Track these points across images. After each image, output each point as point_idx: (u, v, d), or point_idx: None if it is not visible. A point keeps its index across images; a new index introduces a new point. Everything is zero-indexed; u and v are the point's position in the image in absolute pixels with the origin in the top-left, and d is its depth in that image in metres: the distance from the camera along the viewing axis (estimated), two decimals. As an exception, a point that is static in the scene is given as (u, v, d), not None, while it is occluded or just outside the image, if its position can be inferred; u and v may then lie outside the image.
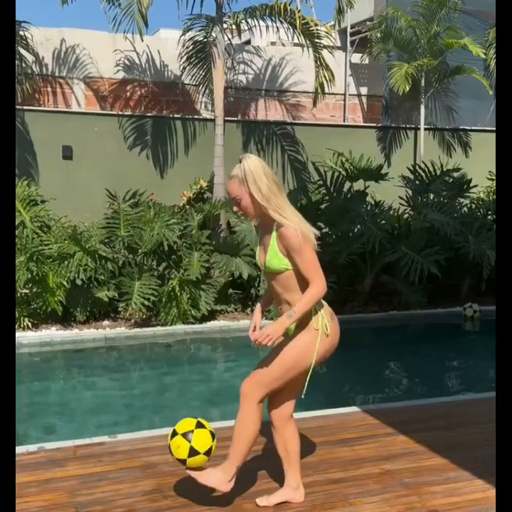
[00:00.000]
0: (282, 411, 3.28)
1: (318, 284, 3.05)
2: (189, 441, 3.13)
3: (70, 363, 7.83)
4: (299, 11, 9.89)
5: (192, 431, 3.17)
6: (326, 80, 10.24)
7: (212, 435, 3.21)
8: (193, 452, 3.13)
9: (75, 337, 8.18)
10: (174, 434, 3.18)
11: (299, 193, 10.20)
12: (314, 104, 10.65)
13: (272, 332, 3.06)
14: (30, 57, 10.69)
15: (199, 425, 3.21)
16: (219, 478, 3.17)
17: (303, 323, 3.16)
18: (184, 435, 3.15)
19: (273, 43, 14.24)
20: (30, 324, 8.27)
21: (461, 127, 12.72)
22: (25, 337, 8.02)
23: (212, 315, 8.97)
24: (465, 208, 10.54)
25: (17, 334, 8.06)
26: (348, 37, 13.59)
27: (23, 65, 10.28)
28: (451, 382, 7.21)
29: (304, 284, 3.09)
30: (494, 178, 10.40)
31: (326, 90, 10.49)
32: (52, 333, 8.24)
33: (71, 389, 6.95)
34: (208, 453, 3.17)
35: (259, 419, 3.17)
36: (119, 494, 3.44)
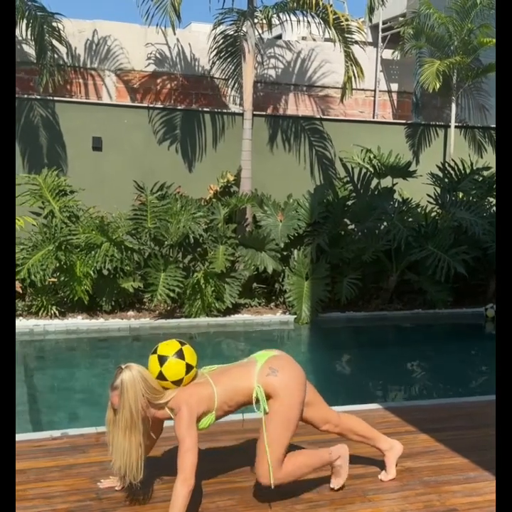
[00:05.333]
0: (325, 420, 3.45)
1: (185, 472, 3.02)
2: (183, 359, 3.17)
3: (95, 352, 7.93)
4: (330, 6, 9.84)
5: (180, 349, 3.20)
6: (355, 76, 10.18)
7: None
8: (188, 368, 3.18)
9: (101, 326, 8.29)
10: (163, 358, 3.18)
11: (326, 189, 10.17)
12: (342, 99, 10.60)
13: None
14: (62, 49, 10.81)
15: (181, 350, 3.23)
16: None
17: (268, 395, 3.21)
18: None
19: (304, 38, 14.19)
20: (57, 312, 8.39)
21: (493, 126, 12.56)
22: (52, 324, 8.16)
23: (236, 308, 9.00)
24: (494, 208, 10.41)
25: (44, 321, 8.21)
26: (380, 33, 13.48)
27: (55, 56, 10.38)
28: (474, 382, 7.15)
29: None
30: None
31: (355, 86, 10.42)
32: (78, 322, 8.36)
33: (95, 377, 7.04)
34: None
35: (299, 460, 3.32)
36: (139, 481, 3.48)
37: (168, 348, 3.21)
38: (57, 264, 8.28)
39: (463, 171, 10.30)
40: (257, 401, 3.22)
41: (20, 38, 10.40)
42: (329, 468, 3.61)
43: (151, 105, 10.93)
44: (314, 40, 13.79)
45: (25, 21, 9.76)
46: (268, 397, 3.22)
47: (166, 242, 8.90)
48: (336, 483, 3.46)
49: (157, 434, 3.45)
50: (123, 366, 3.14)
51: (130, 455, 3.07)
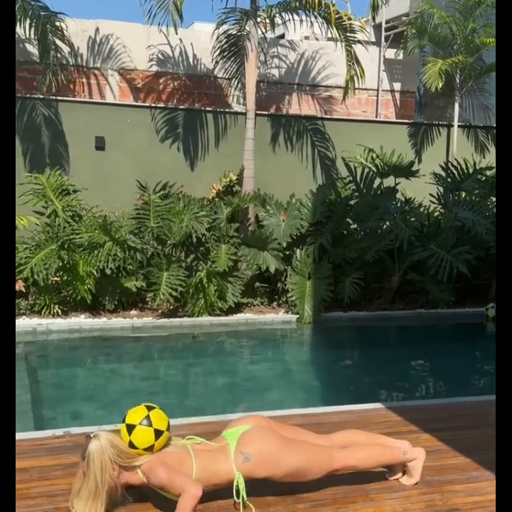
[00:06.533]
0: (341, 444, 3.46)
1: (189, 490, 3.04)
2: (150, 426, 3.15)
3: (98, 351, 7.94)
4: (333, 5, 9.84)
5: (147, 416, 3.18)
6: (357, 75, 10.18)
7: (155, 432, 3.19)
8: (158, 434, 3.16)
9: (103, 325, 8.30)
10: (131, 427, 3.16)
11: (328, 189, 10.17)
12: (344, 98, 10.60)
13: None
14: (65, 48, 10.83)
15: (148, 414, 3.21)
16: None
17: (249, 477, 3.23)
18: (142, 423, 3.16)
19: (306, 37, 14.19)
20: (59, 311, 8.41)
21: (495, 125, 12.54)
22: (55, 323, 8.17)
23: (238, 307, 9.01)
24: (497, 207, 10.38)
25: (47, 320, 8.22)
26: (383, 32, 13.48)
27: (59, 55, 10.40)
28: (476, 382, 7.15)
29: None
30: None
31: (358, 85, 10.42)
32: (81, 321, 8.37)
33: (97, 376, 7.05)
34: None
35: (368, 451, 3.41)
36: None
37: (135, 416, 3.19)
38: (60, 264, 8.29)
39: (465, 171, 10.29)
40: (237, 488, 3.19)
41: (23, 38, 10.41)
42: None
43: (154, 105, 10.94)
44: (317, 39, 13.79)
45: (28, 21, 9.77)
46: (251, 478, 3.22)
47: (168, 242, 8.91)
48: (405, 480, 3.53)
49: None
50: (91, 435, 3.12)
51: None
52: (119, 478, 3.12)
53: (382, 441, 3.56)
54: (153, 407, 3.25)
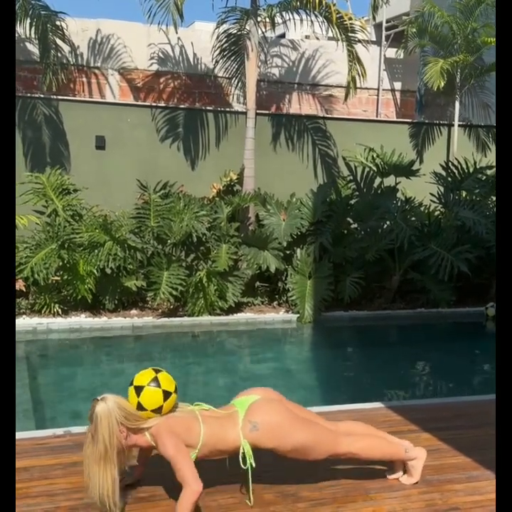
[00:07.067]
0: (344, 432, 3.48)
1: (191, 485, 3.01)
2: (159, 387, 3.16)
3: (98, 350, 7.94)
4: (334, 5, 9.83)
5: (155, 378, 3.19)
6: (359, 75, 10.18)
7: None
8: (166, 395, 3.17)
9: (104, 324, 8.31)
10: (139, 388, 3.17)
11: (329, 188, 10.17)
12: (346, 98, 10.60)
13: None
14: (66, 48, 10.83)
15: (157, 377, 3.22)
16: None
17: (255, 446, 3.25)
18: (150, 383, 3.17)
19: (307, 37, 14.18)
20: (60, 311, 8.41)
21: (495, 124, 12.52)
22: (55, 323, 8.18)
23: (238, 307, 9.01)
24: (498, 207, 10.37)
25: (47, 320, 8.22)
26: (384, 31, 13.47)
27: (59, 54, 10.40)
28: (476, 382, 7.15)
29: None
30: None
31: (359, 85, 10.42)
32: (81, 320, 8.37)
33: (98, 375, 7.05)
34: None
35: (371, 443, 3.44)
36: (142, 478, 3.49)
37: (143, 377, 3.21)
38: (61, 263, 8.29)
39: (466, 170, 10.29)
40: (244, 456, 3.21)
41: (23, 37, 10.42)
42: (330, 467, 3.62)
43: (155, 104, 10.95)
44: (317, 39, 13.78)
45: (28, 20, 9.77)
46: (257, 447, 3.23)
47: (169, 241, 8.91)
48: (405, 480, 3.53)
49: (144, 464, 3.43)
50: (98, 398, 3.13)
51: (104, 486, 3.04)
52: (127, 440, 3.11)
53: (386, 436, 3.57)
54: (161, 370, 3.27)
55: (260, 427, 3.20)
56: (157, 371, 3.24)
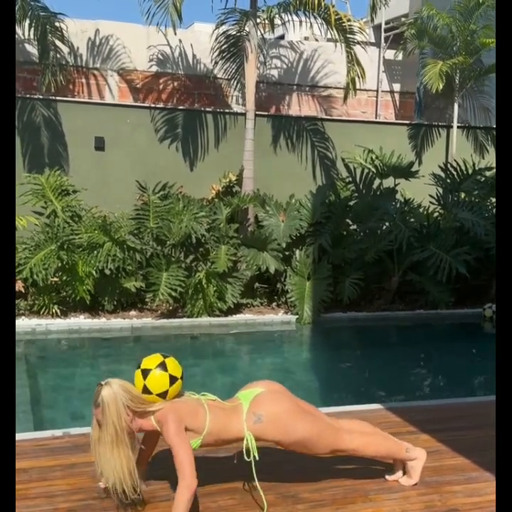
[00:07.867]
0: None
1: (186, 478, 2.99)
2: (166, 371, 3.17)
3: (97, 351, 7.94)
4: (333, 6, 9.84)
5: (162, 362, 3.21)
6: (358, 76, 10.19)
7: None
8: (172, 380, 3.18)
9: (103, 326, 8.30)
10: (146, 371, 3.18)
11: (328, 190, 10.17)
12: (345, 99, 10.60)
13: None
14: (65, 49, 10.83)
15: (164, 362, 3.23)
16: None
17: (259, 438, 3.25)
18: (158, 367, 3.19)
19: (306, 38, 14.19)
20: (59, 312, 8.40)
21: (495, 126, 12.54)
22: (54, 324, 8.17)
23: (237, 308, 9.01)
24: (496, 208, 10.38)
25: (46, 321, 8.22)
26: (383, 33, 13.48)
27: (58, 55, 10.40)
28: (475, 383, 7.15)
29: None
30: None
31: (358, 86, 10.43)
32: (80, 321, 8.37)
33: (97, 376, 7.03)
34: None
35: (372, 440, 3.44)
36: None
37: (150, 361, 3.22)
38: (60, 264, 8.29)
39: (465, 172, 10.30)
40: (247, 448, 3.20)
41: (23, 38, 10.42)
42: (329, 468, 3.62)
43: (154, 105, 10.94)
44: (317, 40, 13.79)
45: (28, 21, 9.77)
46: (260, 439, 3.24)
47: (168, 242, 8.91)
48: (404, 481, 3.53)
49: (151, 447, 3.42)
50: (103, 383, 3.12)
51: (121, 469, 3.03)
52: (132, 424, 3.11)
53: (387, 435, 3.58)
54: (169, 356, 3.28)
55: (264, 419, 3.21)
56: (165, 356, 3.26)
